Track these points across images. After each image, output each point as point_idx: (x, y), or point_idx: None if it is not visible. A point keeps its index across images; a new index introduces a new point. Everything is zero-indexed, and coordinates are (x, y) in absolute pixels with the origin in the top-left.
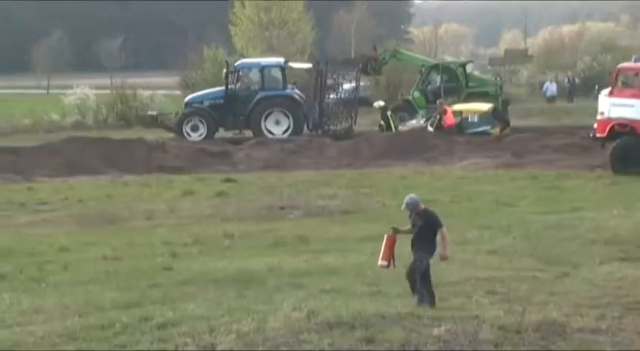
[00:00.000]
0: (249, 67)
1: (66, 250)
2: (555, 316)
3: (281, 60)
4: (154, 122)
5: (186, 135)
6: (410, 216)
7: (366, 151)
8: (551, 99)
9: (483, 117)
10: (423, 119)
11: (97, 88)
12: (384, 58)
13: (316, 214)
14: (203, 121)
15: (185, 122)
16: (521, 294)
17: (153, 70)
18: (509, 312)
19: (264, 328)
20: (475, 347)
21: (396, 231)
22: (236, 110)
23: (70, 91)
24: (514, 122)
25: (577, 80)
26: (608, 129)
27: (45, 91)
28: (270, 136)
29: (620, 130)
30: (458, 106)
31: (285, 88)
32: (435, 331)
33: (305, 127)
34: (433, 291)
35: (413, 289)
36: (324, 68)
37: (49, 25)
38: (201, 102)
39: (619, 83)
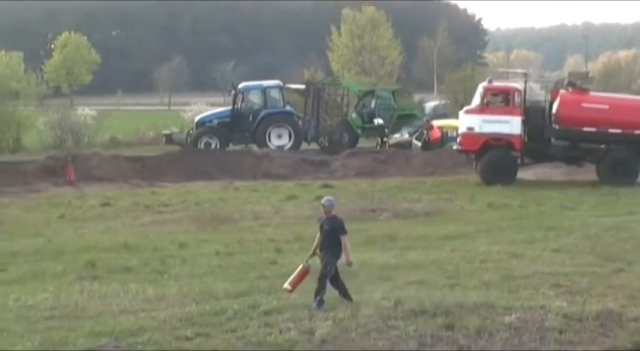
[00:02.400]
0: (253, 89)
1: (184, 246)
2: (612, 307)
3: (279, 82)
4: (169, 140)
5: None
6: (319, 219)
7: (446, 162)
8: None
9: None
10: (407, 134)
11: (212, 105)
12: (324, 85)
13: (403, 216)
14: (215, 137)
15: (199, 140)
16: (582, 287)
17: None
18: (572, 303)
19: (357, 315)
20: (542, 334)
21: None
22: (242, 127)
23: (188, 108)
24: None
25: None
26: (481, 144)
27: (166, 108)
28: (272, 148)
29: (495, 144)
30: (438, 122)
31: (285, 106)
32: (507, 319)
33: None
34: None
35: (319, 290)
36: (320, 88)
37: (170, 51)
38: (211, 121)
39: (485, 101)
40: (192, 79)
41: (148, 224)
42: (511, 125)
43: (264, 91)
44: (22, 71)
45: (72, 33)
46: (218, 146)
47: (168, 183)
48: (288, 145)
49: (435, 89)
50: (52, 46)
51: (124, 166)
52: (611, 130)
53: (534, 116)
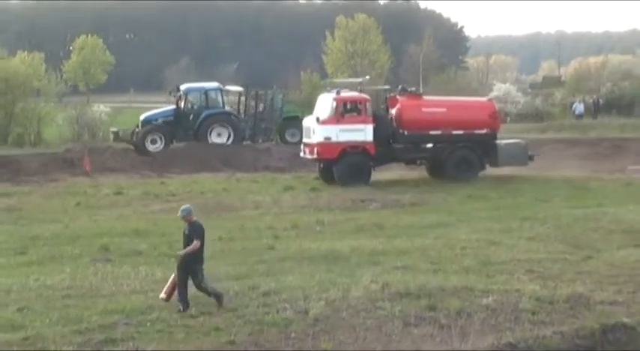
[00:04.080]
0: (194, 90)
1: None
2: (581, 291)
3: (219, 84)
4: (116, 137)
5: (147, 147)
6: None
7: None
8: (580, 117)
9: None
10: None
11: None
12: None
13: (390, 206)
14: (161, 135)
15: (146, 137)
16: (554, 272)
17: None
18: (544, 287)
19: (348, 297)
20: (516, 315)
21: (178, 256)
22: (185, 125)
23: None
24: (551, 135)
25: (601, 101)
26: (339, 152)
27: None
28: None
29: (351, 151)
30: None
31: (224, 106)
32: (484, 301)
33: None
34: (187, 289)
35: (209, 294)
36: (258, 92)
37: (179, 53)
38: (156, 119)
39: (340, 112)
40: (199, 80)
41: (157, 212)
42: (365, 133)
43: (205, 92)
44: (43, 71)
45: (89, 36)
46: (163, 143)
47: (175, 174)
48: (228, 142)
49: (421, 91)
50: (71, 47)
51: (135, 158)
52: (454, 132)
53: (381, 123)
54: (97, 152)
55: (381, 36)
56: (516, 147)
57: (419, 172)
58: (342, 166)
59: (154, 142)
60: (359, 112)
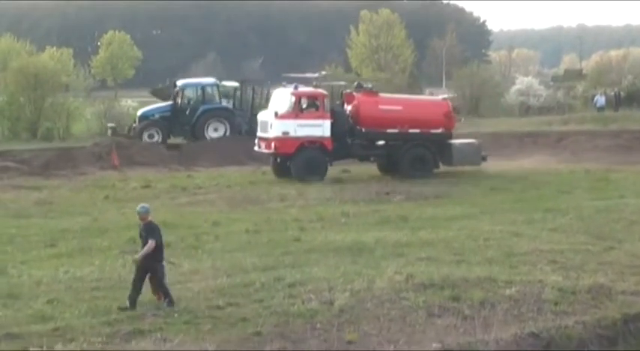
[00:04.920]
0: (191, 86)
1: (217, 224)
2: (603, 281)
3: (215, 80)
4: (114, 132)
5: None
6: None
7: None
8: (601, 109)
9: None
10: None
11: None
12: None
13: (414, 198)
14: (158, 130)
15: (143, 132)
16: (576, 263)
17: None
18: (567, 277)
19: (372, 288)
20: (539, 305)
21: (135, 261)
22: (182, 121)
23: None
24: (573, 127)
25: (622, 94)
26: (297, 147)
27: None
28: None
29: (309, 146)
30: None
31: (220, 102)
32: (507, 292)
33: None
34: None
35: (166, 295)
36: (255, 87)
37: (205, 49)
38: (153, 115)
39: (299, 107)
40: (226, 74)
41: (185, 204)
42: (323, 128)
43: (202, 88)
44: (71, 66)
45: (117, 32)
46: (160, 138)
47: (202, 168)
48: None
49: (444, 84)
50: (99, 43)
51: (162, 152)
52: (411, 131)
53: (338, 119)
54: (124, 146)
55: (404, 30)
56: (470, 147)
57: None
58: (299, 161)
59: (151, 137)
60: (317, 107)
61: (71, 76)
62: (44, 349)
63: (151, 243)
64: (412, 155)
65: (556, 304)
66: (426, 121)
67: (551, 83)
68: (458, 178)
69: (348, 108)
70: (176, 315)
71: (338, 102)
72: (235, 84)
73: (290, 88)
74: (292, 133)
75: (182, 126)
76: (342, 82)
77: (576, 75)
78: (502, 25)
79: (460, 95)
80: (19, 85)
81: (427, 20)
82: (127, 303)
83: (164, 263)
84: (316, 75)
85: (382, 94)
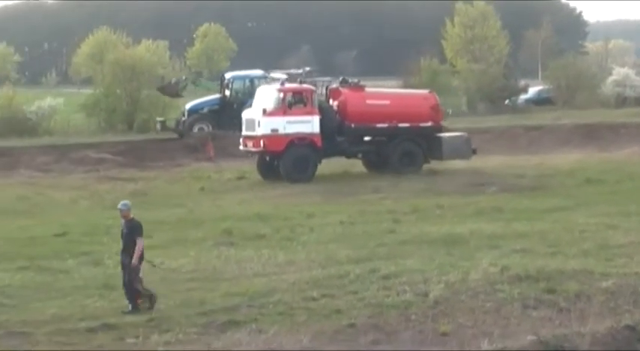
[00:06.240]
0: (240, 78)
1: (312, 216)
2: None
3: (264, 72)
4: (163, 127)
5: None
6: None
7: (549, 141)
8: None
9: None
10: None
11: None
12: (185, 83)
13: (509, 190)
14: (207, 124)
15: (194, 126)
16: None
17: (379, 76)
18: None
19: (467, 279)
20: (636, 298)
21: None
22: (231, 114)
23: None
24: None
25: None
26: (286, 144)
27: None
28: None
29: (299, 143)
30: None
31: None
32: (604, 284)
33: None
34: (148, 289)
35: (141, 293)
36: (305, 80)
37: (299, 41)
38: (202, 108)
39: (287, 104)
40: (319, 66)
41: (279, 196)
42: (312, 125)
43: (251, 80)
44: (167, 58)
45: (212, 24)
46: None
47: None
48: None
49: (540, 75)
50: (195, 35)
51: None
52: (400, 125)
53: (326, 115)
54: (220, 138)
55: (499, 22)
56: (460, 140)
57: (537, 156)
58: (289, 159)
59: (201, 130)
60: (304, 103)
61: (167, 68)
62: (140, 339)
63: (140, 242)
64: (401, 151)
65: None
66: (413, 115)
67: None
68: (552, 170)
69: (335, 104)
70: (270, 306)
71: (322, 98)
72: (284, 76)
73: (276, 85)
74: (281, 131)
75: (231, 119)
76: (328, 78)
77: None
78: (598, 16)
79: (555, 87)
80: (116, 77)
81: (523, 11)
82: (128, 301)
83: (143, 263)
84: (300, 71)
85: (368, 89)
